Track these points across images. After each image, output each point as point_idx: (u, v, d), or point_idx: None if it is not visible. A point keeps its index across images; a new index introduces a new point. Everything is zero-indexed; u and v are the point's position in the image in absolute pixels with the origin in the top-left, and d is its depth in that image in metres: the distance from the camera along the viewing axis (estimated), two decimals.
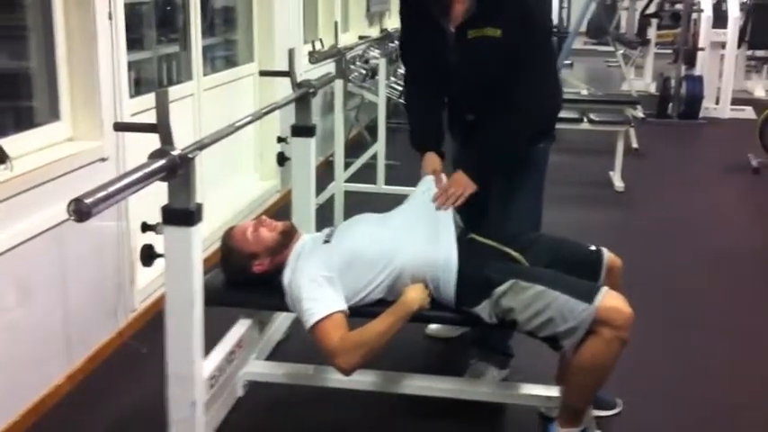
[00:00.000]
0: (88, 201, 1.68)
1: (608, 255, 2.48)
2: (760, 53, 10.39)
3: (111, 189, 1.77)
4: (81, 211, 1.67)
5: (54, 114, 2.95)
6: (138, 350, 3.07)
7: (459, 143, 2.89)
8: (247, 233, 2.46)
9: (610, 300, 2.19)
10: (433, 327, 3.18)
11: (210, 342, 2.36)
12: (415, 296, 2.29)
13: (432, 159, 2.72)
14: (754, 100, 9.55)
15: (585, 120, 5.98)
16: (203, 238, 2.16)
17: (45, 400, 2.69)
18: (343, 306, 2.27)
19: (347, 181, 4.99)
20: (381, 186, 5.34)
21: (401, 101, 6.95)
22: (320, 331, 2.21)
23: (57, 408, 2.71)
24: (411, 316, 2.27)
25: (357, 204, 4.31)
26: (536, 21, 2.53)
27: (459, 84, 2.68)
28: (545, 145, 2.75)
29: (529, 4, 2.50)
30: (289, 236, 2.48)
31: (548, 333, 2.23)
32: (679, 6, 9.47)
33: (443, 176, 2.64)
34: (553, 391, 2.48)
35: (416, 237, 2.42)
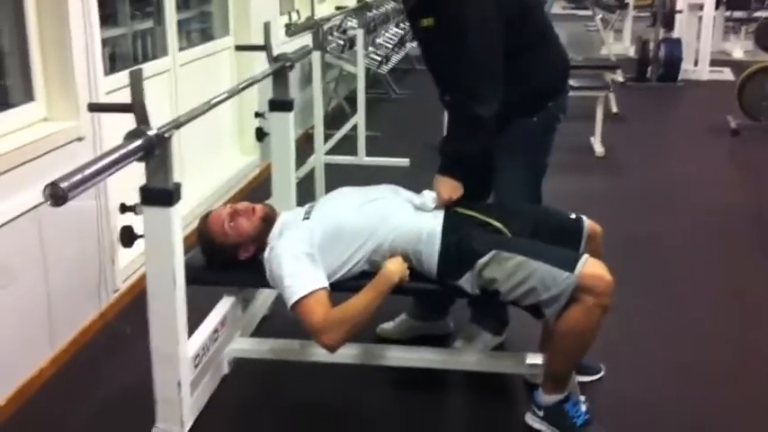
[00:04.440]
0: (64, 185, 1.67)
1: (588, 222, 2.49)
2: (737, 14, 10.40)
3: (87, 172, 1.76)
4: (57, 195, 1.66)
5: (28, 94, 2.91)
6: (123, 330, 3.06)
7: None
8: (225, 225, 2.43)
9: (591, 267, 2.20)
10: (385, 326, 2.96)
11: (194, 320, 2.36)
12: (393, 268, 2.29)
13: None
14: (732, 61, 9.56)
15: None
16: (183, 216, 2.15)
17: (29, 384, 2.67)
18: (325, 283, 2.27)
19: (327, 153, 4.98)
20: (362, 158, 5.34)
21: (380, 71, 6.93)
22: (303, 309, 2.21)
23: (42, 391, 2.70)
24: (392, 288, 2.28)
25: (338, 176, 4.30)
26: (465, 6, 2.40)
27: (426, 65, 2.71)
28: (534, 121, 2.61)
29: None
30: (269, 220, 2.47)
31: (530, 302, 2.24)
32: None
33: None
34: (537, 359, 2.50)
35: (401, 208, 2.43)
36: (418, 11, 2.55)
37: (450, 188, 2.50)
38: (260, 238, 2.44)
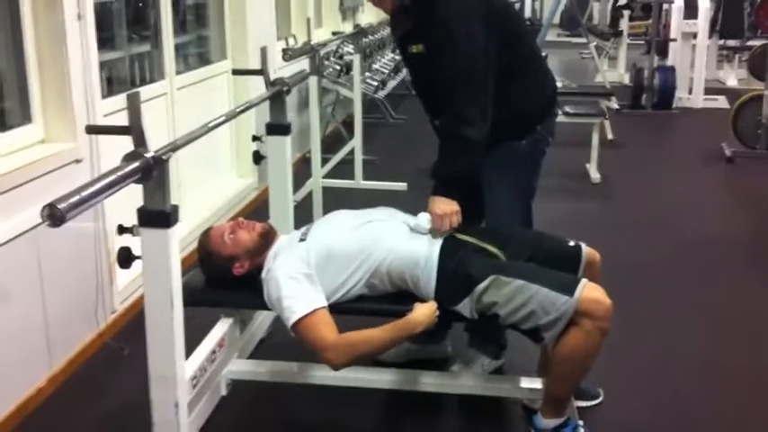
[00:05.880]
0: (62, 206, 1.65)
1: (587, 250, 2.49)
2: (731, 43, 10.48)
3: (85, 193, 1.74)
4: (55, 216, 1.65)
5: (26, 116, 2.91)
6: (120, 351, 3.04)
7: None
8: (225, 236, 2.44)
9: (590, 291, 2.20)
10: None
11: (192, 341, 2.34)
12: (421, 320, 2.25)
13: None
14: (726, 89, 9.63)
15: (561, 112, 6.00)
16: (181, 238, 2.15)
17: (27, 404, 2.66)
18: (324, 302, 2.27)
19: (325, 177, 4.98)
20: (360, 182, 5.35)
21: (376, 96, 6.97)
22: (305, 328, 2.21)
23: (39, 411, 2.68)
24: (410, 336, 2.27)
25: (335, 200, 4.30)
26: (452, 30, 2.41)
27: (416, 91, 2.76)
28: (523, 144, 2.64)
29: (446, 17, 2.42)
30: (268, 238, 2.47)
31: (530, 326, 2.24)
32: None
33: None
34: (536, 383, 2.49)
35: (396, 230, 2.42)
36: (408, 38, 2.58)
37: (445, 205, 2.47)
38: (257, 254, 2.44)
